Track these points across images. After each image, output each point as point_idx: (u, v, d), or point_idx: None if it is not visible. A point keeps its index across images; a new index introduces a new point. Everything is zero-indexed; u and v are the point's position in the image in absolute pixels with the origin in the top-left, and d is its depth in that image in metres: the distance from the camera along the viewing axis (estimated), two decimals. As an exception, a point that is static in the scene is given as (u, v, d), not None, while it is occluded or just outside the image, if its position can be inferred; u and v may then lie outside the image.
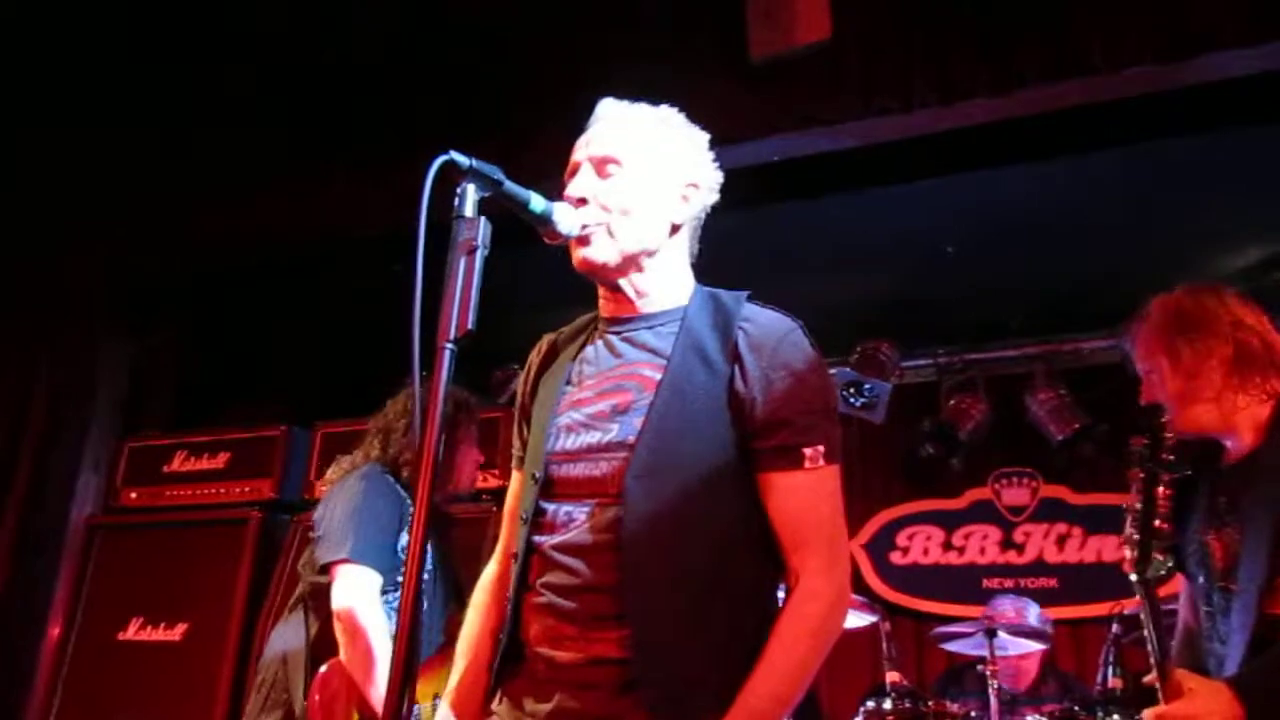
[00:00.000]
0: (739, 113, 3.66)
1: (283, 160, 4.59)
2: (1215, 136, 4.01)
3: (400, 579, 2.69)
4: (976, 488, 5.58)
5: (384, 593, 2.66)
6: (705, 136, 1.77)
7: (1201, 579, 2.08)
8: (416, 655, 1.25)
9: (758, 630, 1.52)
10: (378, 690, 2.49)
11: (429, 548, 2.75)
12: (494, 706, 1.65)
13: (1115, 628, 3.49)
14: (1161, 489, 1.85)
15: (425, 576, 2.74)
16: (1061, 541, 5.32)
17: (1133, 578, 1.88)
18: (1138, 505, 1.86)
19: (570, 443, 1.63)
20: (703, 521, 1.54)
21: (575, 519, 1.58)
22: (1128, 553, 1.89)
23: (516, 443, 1.83)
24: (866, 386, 5.35)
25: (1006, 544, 5.42)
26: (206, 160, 4.68)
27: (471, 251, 1.30)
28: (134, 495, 4.71)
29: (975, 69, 3.55)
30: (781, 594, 1.60)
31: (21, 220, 5.01)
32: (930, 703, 3.63)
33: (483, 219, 1.35)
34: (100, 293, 5.04)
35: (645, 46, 3.82)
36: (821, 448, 1.56)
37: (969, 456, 5.53)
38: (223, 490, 4.53)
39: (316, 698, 2.52)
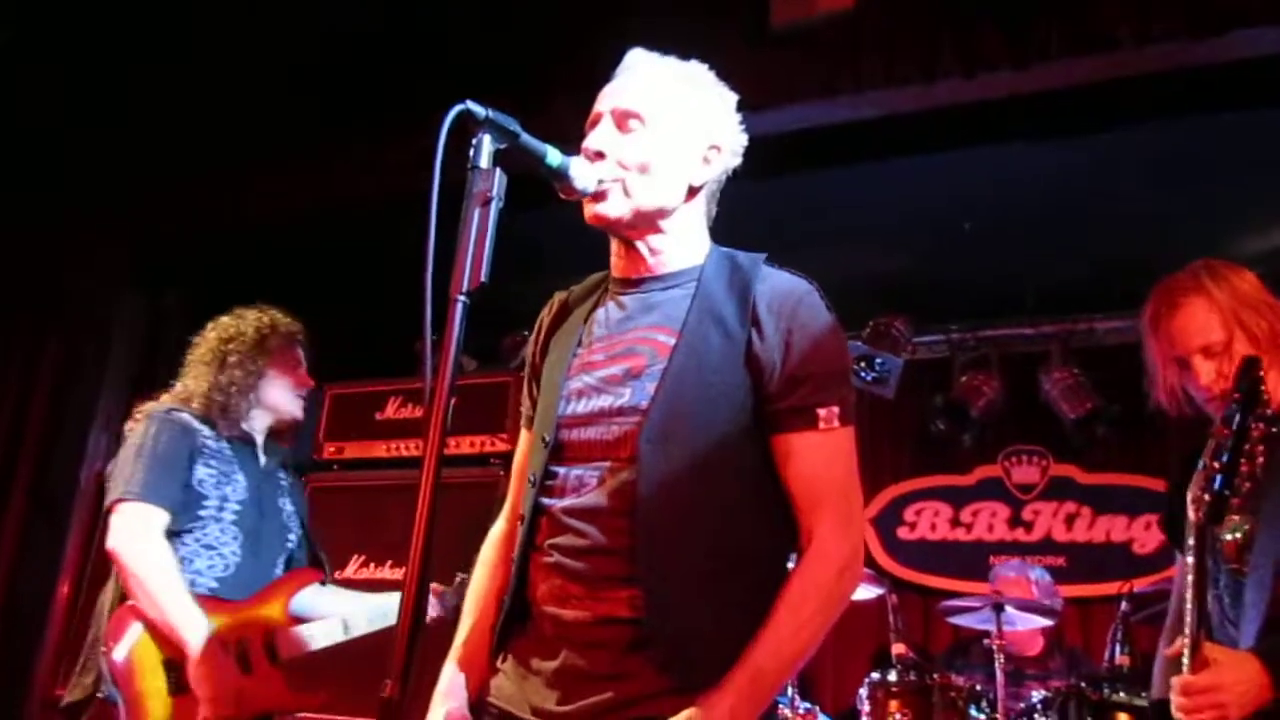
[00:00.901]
0: (757, 80, 3.60)
1: (291, 127, 4.58)
2: (1239, 116, 3.95)
3: (203, 513, 2.63)
4: (986, 465, 5.56)
5: (186, 531, 2.60)
6: (734, 96, 1.72)
7: (1210, 562, 2.06)
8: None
9: (770, 595, 1.50)
10: (164, 621, 2.44)
11: (237, 474, 2.69)
12: (499, 664, 1.65)
13: (1124, 606, 3.49)
14: (1249, 448, 1.78)
15: (237, 507, 2.69)
16: (1070, 521, 5.30)
17: (1190, 541, 1.83)
18: (1215, 465, 1.78)
19: (582, 407, 1.62)
20: (717, 486, 1.53)
21: (586, 483, 1.57)
22: (1191, 514, 1.82)
23: (526, 402, 1.81)
24: (878, 361, 5.34)
25: (1015, 522, 5.41)
26: (219, 127, 4.67)
27: (486, 203, 1.28)
28: (144, 454, 4.71)
29: (998, 41, 3.50)
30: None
31: (38, 182, 5.01)
32: (936, 675, 3.64)
33: (498, 171, 1.33)
34: (114, 254, 5.05)
35: (663, 12, 3.77)
36: (836, 409, 1.55)
37: (980, 434, 5.51)
38: (232, 450, 4.52)
39: (110, 643, 2.47)
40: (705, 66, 1.73)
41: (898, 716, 3.56)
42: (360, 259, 5.14)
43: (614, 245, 1.72)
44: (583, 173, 1.56)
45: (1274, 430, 1.78)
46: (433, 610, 2.79)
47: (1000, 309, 5.54)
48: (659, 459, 1.51)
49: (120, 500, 2.55)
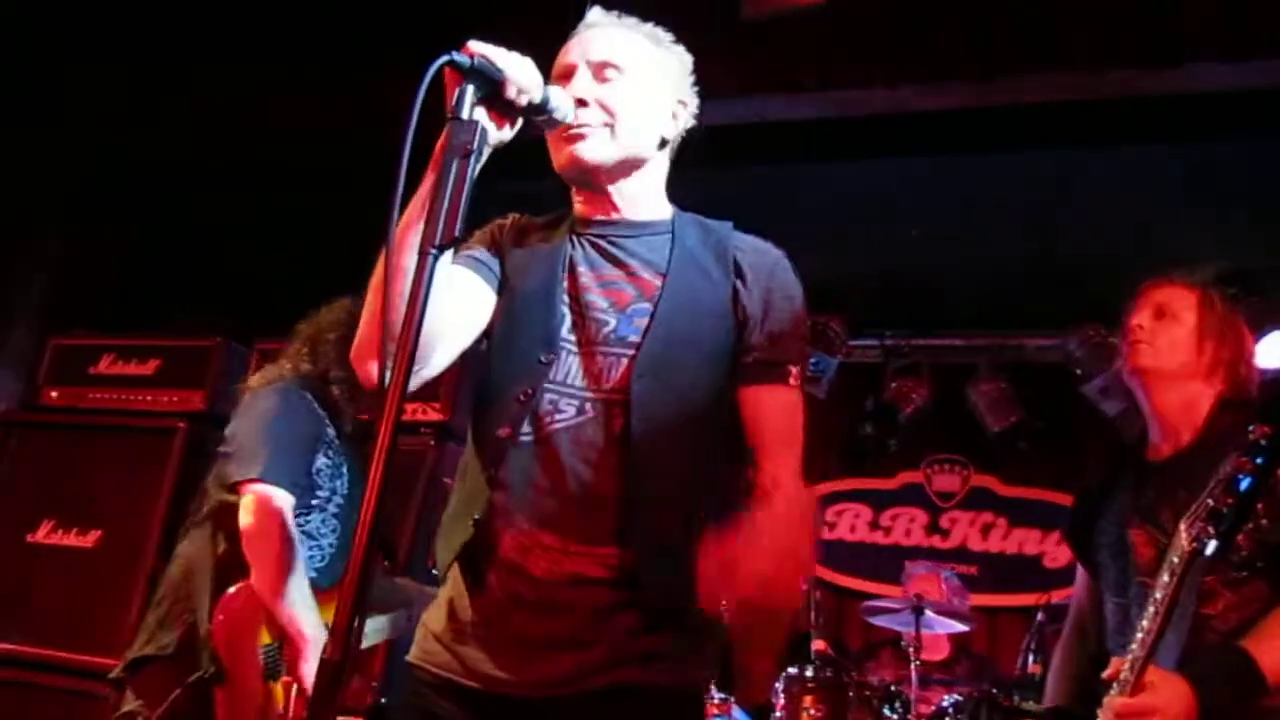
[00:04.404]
0: (719, 68, 3.59)
1: (235, 67, 4.43)
2: (1184, 148, 4.06)
3: (314, 502, 2.62)
4: (909, 470, 5.65)
5: (296, 516, 2.55)
6: (690, 57, 1.74)
7: (1115, 572, 2.11)
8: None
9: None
10: (289, 611, 2.43)
11: (345, 469, 2.66)
12: (428, 623, 1.61)
13: (1040, 616, 3.57)
14: (1272, 484, 1.75)
15: (341, 501, 2.67)
16: (986, 530, 5.41)
17: (1169, 572, 1.83)
18: (1227, 499, 1.75)
19: (565, 331, 1.59)
20: (699, 429, 1.57)
21: (563, 410, 1.54)
22: (1185, 543, 1.80)
23: (476, 250, 1.67)
24: (813, 360, 5.37)
25: (932, 528, 5.50)
26: (159, 62, 4.51)
27: (466, 155, 1.24)
28: (55, 395, 4.53)
29: (960, 51, 3.54)
30: None
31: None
32: (853, 673, 3.67)
33: (480, 123, 1.28)
34: (36, 188, 4.84)
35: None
36: (800, 369, 1.65)
37: (905, 439, 5.59)
38: (150, 398, 4.36)
39: (221, 618, 2.43)
40: (663, 28, 1.73)
41: (811, 711, 3.59)
42: (300, 211, 5.01)
43: (578, 193, 1.69)
44: (562, 101, 1.50)
45: None
46: (379, 636, 2.78)
47: (935, 319, 5.62)
48: (651, 396, 1.53)
49: (255, 481, 2.48)
